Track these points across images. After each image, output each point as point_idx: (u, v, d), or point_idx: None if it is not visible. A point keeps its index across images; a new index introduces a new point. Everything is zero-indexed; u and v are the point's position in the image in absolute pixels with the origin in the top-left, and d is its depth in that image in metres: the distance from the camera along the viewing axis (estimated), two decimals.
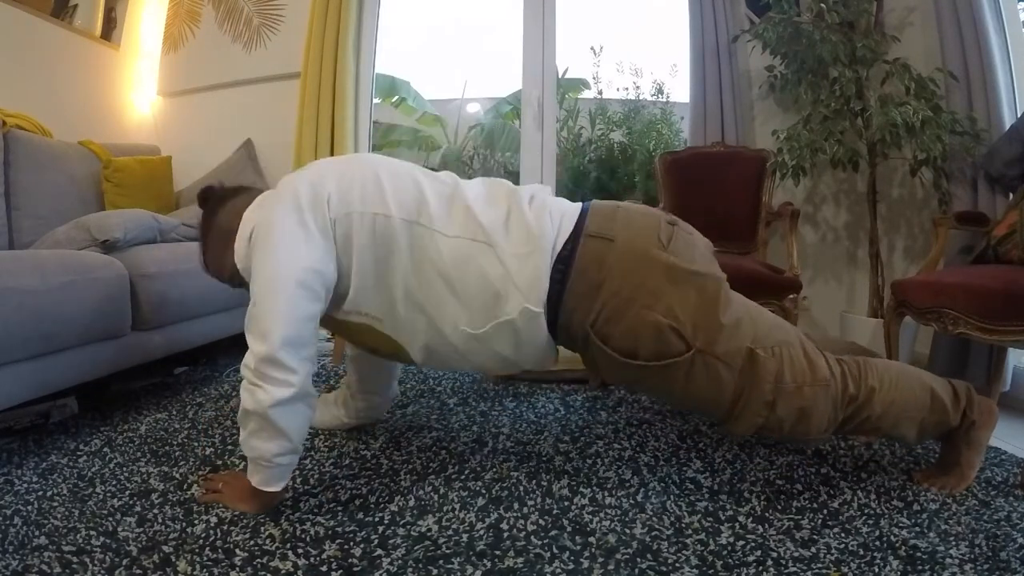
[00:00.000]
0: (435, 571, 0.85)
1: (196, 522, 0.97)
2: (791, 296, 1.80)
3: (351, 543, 0.92)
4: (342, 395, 1.38)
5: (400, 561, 0.87)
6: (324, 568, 0.86)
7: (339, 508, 1.03)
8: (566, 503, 1.06)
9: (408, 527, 0.97)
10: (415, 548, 0.91)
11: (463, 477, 1.16)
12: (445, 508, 1.04)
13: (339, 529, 0.96)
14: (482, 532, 0.96)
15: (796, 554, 0.90)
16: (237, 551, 0.89)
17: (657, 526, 0.98)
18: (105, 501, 1.04)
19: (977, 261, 1.73)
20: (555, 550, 0.91)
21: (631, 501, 1.07)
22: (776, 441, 1.29)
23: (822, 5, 2.12)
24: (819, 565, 0.87)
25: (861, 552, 0.91)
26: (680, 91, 3.29)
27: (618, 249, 0.96)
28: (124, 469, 1.18)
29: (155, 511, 1.01)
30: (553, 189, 2.56)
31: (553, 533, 0.96)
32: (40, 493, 1.07)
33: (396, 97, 3.79)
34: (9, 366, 1.20)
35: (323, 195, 0.99)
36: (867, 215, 2.18)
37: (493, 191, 1.06)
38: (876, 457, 1.27)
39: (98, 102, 2.73)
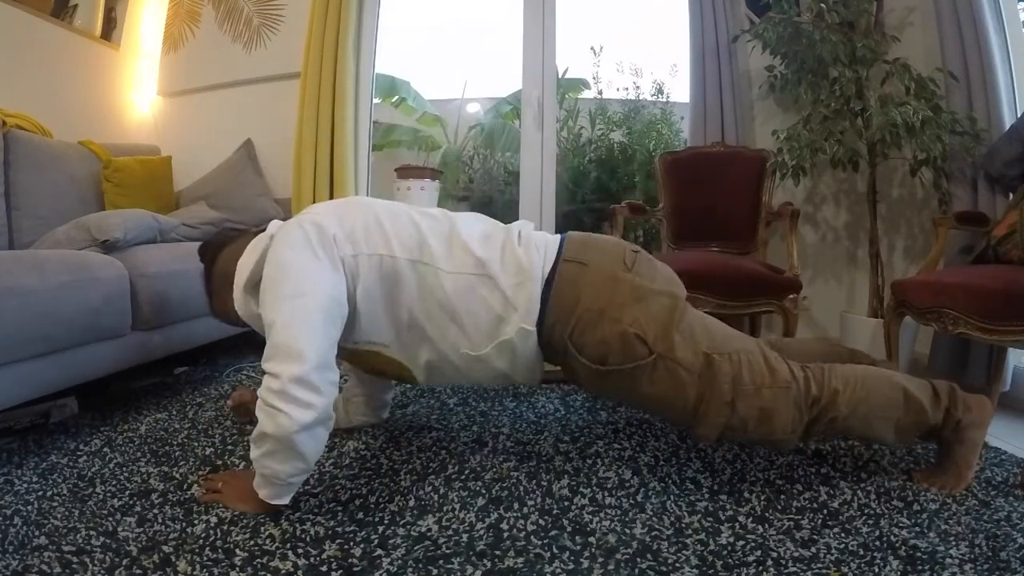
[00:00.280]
0: (435, 571, 0.85)
1: (196, 522, 0.97)
2: (791, 296, 1.81)
3: (351, 543, 0.92)
4: (340, 398, 1.38)
5: (400, 561, 0.87)
6: (324, 568, 0.86)
7: (339, 508, 1.03)
8: (566, 503, 1.06)
9: (408, 527, 0.97)
10: (415, 548, 0.91)
11: (463, 477, 1.16)
12: (445, 508, 1.04)
13: (339, 529, 0.96)
14: (482, 532, 0.96)
15: (796, 554, 0.90)
16: (237, 551, 0.89)
17: (657, 526, 0.98)
18: (105, 501, 1.04)
19: (977, 261, 1.73)
20: (555, 550, 0.91)
21: (631, 501, 1.07)
22: (748, 445, 1.29)
23: (822, 5, 2.12)
24: (819, 565, 0.87)
25: (861, 552, 0.90)
26: (680, 91, 3.29)
27: (590, 271, 1.09)
28: (124, 469, 1.18)
29: (155, 511, 1.01)
30: (553, 189, 2.57)
31: (553, 533, 0.96)
32: (40, 493, 1.07)
33: (396, 97, 3.78)
34: (9, 366, 1.20)
35: (329, 235, 1.04)
36: (867, 215, 2.18)
37: (486, 229, 1.16)
38: (876, 457, 1.27)
39: (98, 102, 2.73)
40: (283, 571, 0.85)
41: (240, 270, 1.11)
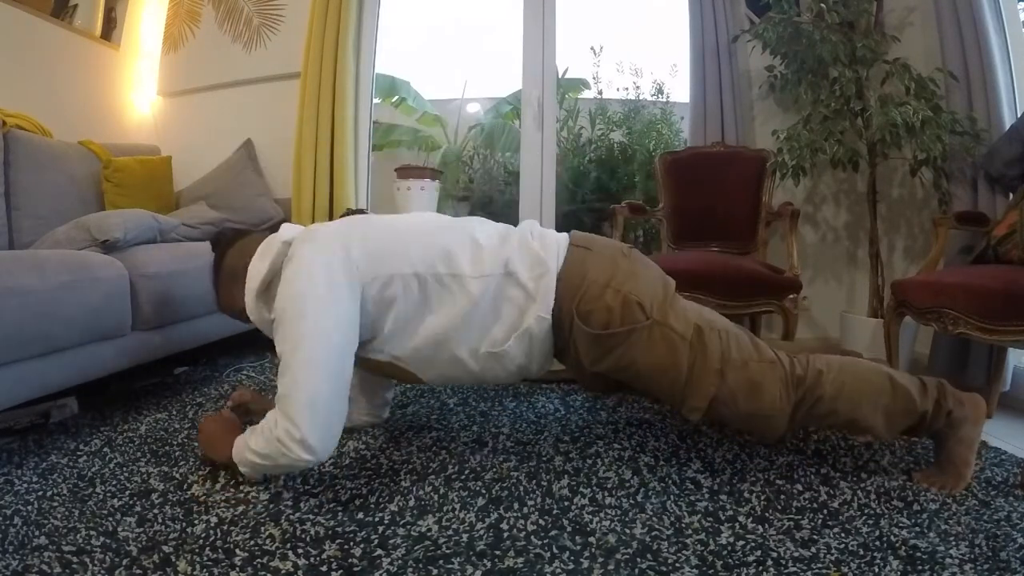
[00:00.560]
0: (435, 571, 0.85)
1: (196, 522, 0.97)
2: (791, 296, 1.81)
3: (351, 543, 0.92)
4: None
5: (400, 561, 0.87)
6: (324, 568, 0.86)
7: (339, 508, 1.03)
8: (566, 503, 1.06)
9: (408, 527, 0.97)
10: (415, 548, 0.91)
11: (463, 477, 1.16)
12: (445, 508, 1.04)
13: (339, 529, 0.96)
14: (482, 532, 0.96)
15: (796, 554, 0.90)
16: (237, 551, 0.89)
17: (657, 526, 0.98)
18: (105, 501, 1.04)
19: (977, 261, 1.73)
20: (555, 550, 0.91)
21: (631, 501, 1.07)
22: (741, 427, 1.29)
23: (822, 5, 2.12)
24: (819, 565, 0.87)
25: (861, 552, 0.90)
26: (680, 91, 3.29)
27: (594, 254, 1.19)
28: (124, 469, 1.18)
29: (155, 511, 1.01)
30: (553, 189, 2.57)
31: (553, 533, 0.96)
32: (40, 493, 1.07)
33: (396, 97, 3.78)
34: (9, 366, 1.20)
35: (352, 263, 1.07)
36: (867, 215, 2.18)
37: (500, 230, 1.22)
38: (876, 457, 1.27)
39: (98, 102, 2.73)
40: (283, 571, 0.85)
41: (251, 276, 1.14)
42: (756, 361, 1.11)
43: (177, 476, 1.15)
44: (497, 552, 0.90)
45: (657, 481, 1.15)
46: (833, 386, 1.09)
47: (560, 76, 3.48)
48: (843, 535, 0.95)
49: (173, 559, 0.87)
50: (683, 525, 0.99)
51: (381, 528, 0.97)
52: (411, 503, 1.05)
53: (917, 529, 0.97)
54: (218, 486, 1.11)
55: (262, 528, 0.96)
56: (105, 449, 1.28)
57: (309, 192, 2.54)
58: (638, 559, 0.89)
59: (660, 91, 3.42)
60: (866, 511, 1.04)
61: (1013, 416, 1.70)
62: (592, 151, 3.43)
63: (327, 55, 2.53)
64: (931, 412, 1.11)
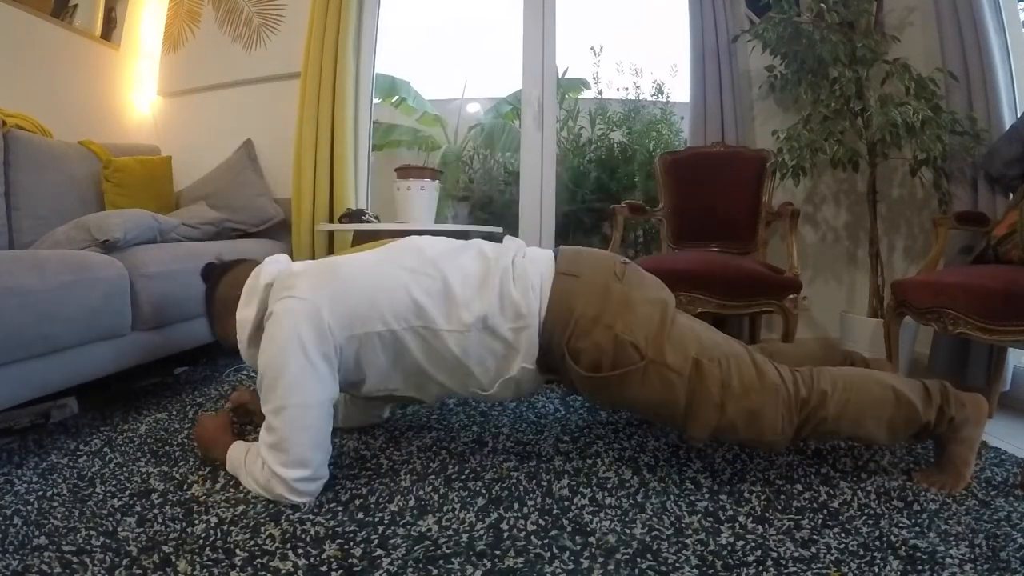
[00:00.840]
0: (435, 571, 0.85)
1: (196, 522, 0.97)
2: (791, 296, 1.80)
3: (351, 543, 0.92)
4: (341, 398, 1.38)
5: (400, 561, 0.87)
6: (324, 568, 0.85)
7: (339, 508, 1.03)
8: (566, 503, 1.06)
9: (408, 527, 0.97)
10: (415, 548, 0.91)
11: (463, 477, 1.16)
12: (445, 508, 1.04)
13: (339, 529, 0.96)
14: (482, 532, 0.96)
15: (796, 554, 0.90)
16: (237, 551, 0.89)
17: (657, 526, 0.98)
18: (105, 501, 1.04)
19: (977, 261, 1.73)
20: (555, 550, 0.91)
21: (631, 501, 1.07)
22: (743, 445, 1.29)
23: (822, 5, 2.12)
24: (819, 565, 0.87)
25: (861, 552, 0.90)
26: (680, 91, 3.29)
27: (583, 282, 1.14)
28: (124, 469, 1.18)
29: (155, 511, 1.01)
30: (553, 189, 2.57)
31: (553, 533, 0.96)
32: (40, 493, 1.07)
33: (396, 97, 3.78)
34: (9, 366, 1.20)
35: (324, 329, 1.05)
36: (867, 215, 2.18)
37: (479, 271, 1.15)
38: (876, 457, 1.26)
39: (98, 102, 2.73)
40: (283, 571, 0.85)
41: (241, 326, 1.14)
42: (758, 390, 1.07)
43: (177, 476, 1.15)
44: (497, 552, 0.90)
45: (657, 481, 1.15)
46: (837, 406, 1.08)
47: (560, 76, 3.48)
48: (843, 535, 0.95)
49: (173, 559, 0.87)
50: (683, 525, 0.99)
51: (381, 528, 0.97)
52: (411, 503, 1.05)
53: (917, 529, 0.97)
54: (218, 486, 1.11)
55: (262, 528, 0.96)
56: (105, 449, 1.28)
57: (309, 192, 2.54)
58: (638, 559, 0.89)
59: (660, 91, 3.42)
60: (866, 511, 1.03)
61: (1013, 416, 1.70)
62: (592, 151, 3.43)
63: (327, 55, 2.54)
64: (934, 420, 1.10)
